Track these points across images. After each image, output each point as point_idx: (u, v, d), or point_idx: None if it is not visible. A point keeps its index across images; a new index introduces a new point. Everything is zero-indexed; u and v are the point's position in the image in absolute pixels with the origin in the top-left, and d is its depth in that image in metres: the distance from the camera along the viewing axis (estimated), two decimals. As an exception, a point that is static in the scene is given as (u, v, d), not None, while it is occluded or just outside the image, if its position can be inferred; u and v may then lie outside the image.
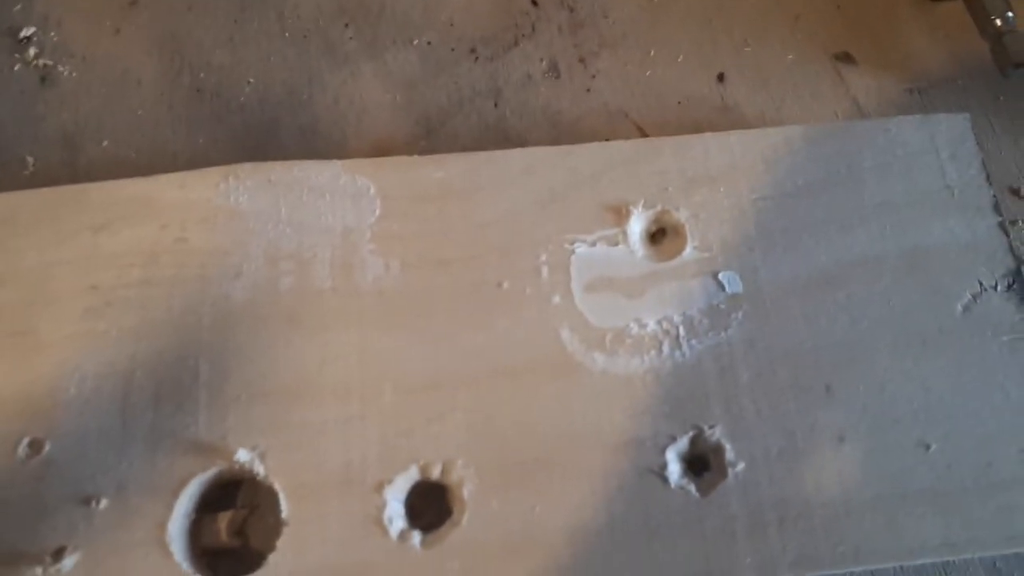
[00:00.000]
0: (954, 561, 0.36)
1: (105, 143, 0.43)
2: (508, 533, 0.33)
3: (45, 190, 0.39)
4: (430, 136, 0.44)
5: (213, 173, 0.39)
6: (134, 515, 0.33)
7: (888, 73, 0.46)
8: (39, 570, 0.33)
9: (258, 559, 0.33)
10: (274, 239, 0.38)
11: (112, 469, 0.34)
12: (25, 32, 0.46)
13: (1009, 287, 0.37)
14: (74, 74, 0.45)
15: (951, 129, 0.40)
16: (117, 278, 0.37)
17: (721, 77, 0.45)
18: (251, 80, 0.45)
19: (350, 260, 0.37)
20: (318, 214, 0.38)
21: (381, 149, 0.43)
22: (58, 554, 0.33)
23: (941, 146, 0.39)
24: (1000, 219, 0.38)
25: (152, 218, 0.38)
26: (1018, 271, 0.37)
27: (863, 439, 0.34)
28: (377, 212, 0.38)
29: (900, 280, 0.37)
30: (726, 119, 0.44)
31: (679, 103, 0.44)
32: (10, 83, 0.45)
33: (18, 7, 0.46)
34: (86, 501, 0.34)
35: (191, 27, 0.46)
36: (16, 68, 0.45)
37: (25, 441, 0.34)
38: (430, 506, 0.35)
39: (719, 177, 0.39)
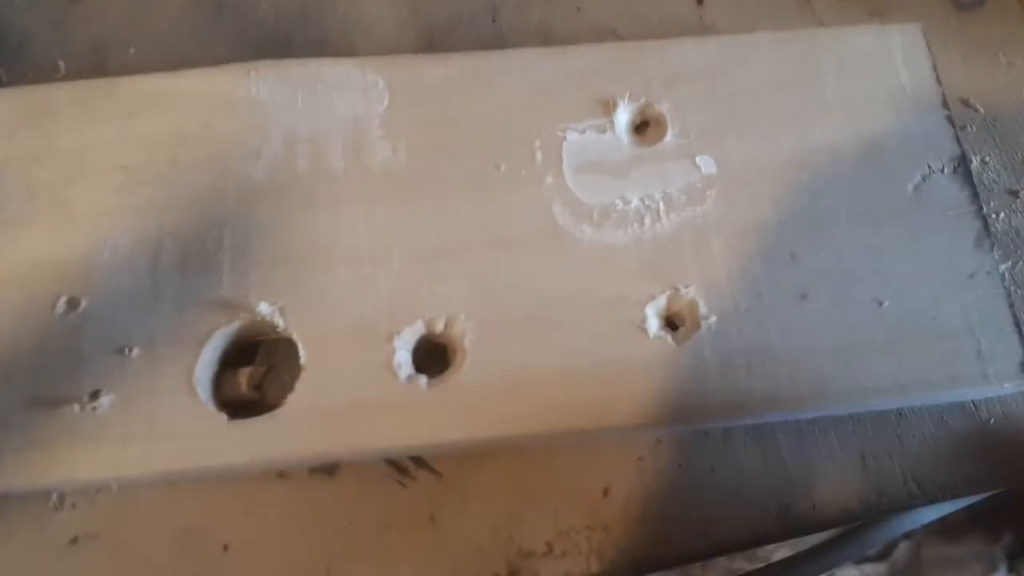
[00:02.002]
0: (905, 413, 0.39)
1: (132, 51, 0.47)
2: (505, 376, 0.36)
3: (78, 83, 0.42)
4: (432, 50, 0.47)
5: (235, 68, 0.42)
6: (164, 362, 0.37)
7: (852, 1, 0.50)
8: (77, 407, 0.36)
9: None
10: (291, 126, 0.41)
11: (143, 323, 0.37)
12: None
13: (954, 171, 0.41)
14: (102, -9, 0.49)
15: (905, 36, 0.44)
16: (146, 159, 0.40)
17: (700, 0, 0.49)
18: (267, -3, 0.49)
19: (361, 145, 0.41)
20: (331, 104, 0.42)
21: (387, 60, 0.46)
22: (95, 395, 0.36)
23: (895, 50, 0.43)
24: (947, 113, 0.42)
25: (178, 107, 0.42)
26: (962, 157, 0.41)
27: (823, 297, 0.38)
28: (385, 103, 0.42)
29: (858, 163, 0.41)
30: (703, 36, 0.48)
31: (661, 22, 0.48)
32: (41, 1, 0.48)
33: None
34: (120, 350, 0.37)
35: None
36: (46, -14, 0.49)
37: (63, 299, 0.38)
38: (434, 364, 0.38)
39: (697, 75, 0.43)
